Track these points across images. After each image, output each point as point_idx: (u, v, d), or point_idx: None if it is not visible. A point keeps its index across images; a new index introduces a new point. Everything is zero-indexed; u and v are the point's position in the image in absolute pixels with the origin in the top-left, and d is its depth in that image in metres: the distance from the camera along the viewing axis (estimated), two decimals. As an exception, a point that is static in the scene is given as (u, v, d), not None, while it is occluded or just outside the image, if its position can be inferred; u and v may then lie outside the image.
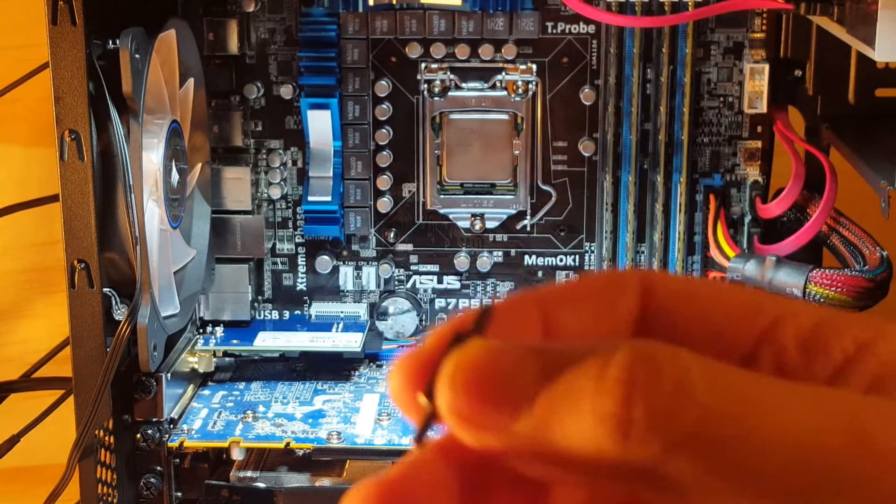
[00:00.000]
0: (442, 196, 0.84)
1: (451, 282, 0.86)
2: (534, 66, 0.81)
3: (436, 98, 0.82)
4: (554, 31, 0.81)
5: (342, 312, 0.86)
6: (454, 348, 0.22)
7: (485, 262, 0.85)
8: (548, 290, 0.25)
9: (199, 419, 0.76)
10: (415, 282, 0.86)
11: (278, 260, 0.86)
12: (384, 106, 0.82)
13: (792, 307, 0.25)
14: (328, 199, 0.82)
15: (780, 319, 0.25)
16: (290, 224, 0.85)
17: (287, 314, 0.87)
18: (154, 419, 0.73)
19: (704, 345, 0.25)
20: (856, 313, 0.25)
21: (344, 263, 0.86)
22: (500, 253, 0.85)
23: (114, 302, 0.69)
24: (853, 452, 0.20)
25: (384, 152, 0.83)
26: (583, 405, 0.21)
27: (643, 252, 0.83)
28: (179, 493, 0.75)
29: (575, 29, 0.81)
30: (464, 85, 0.82)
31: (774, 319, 0.25)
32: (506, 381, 0.21)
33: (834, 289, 0.70)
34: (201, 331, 0.84)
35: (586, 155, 0.83)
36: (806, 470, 0.20)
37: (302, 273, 0.86)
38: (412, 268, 0.86)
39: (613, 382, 0.21)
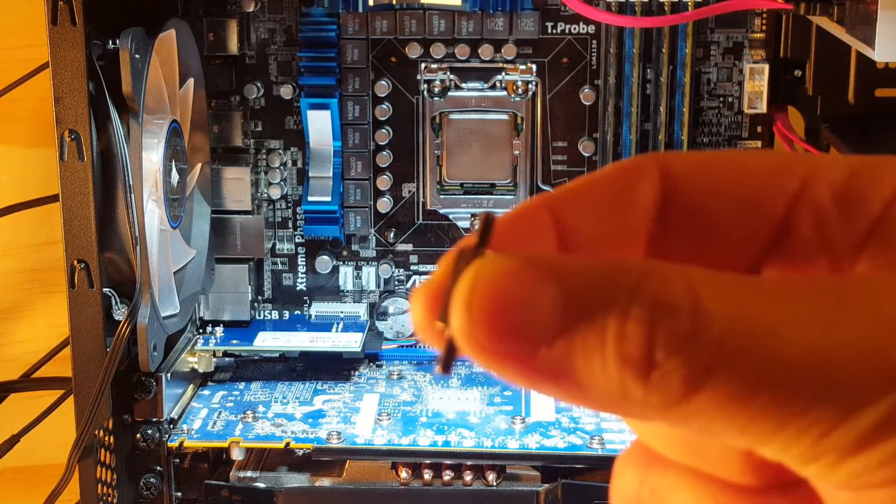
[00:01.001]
0: (442, 196, 0.84)
1: (450, 282, 0.86)
2: (534, 67, 0.81)
3: (436, 98, 0.82)
4: (554, 32, 0.81)
5: (342, 312, 0.86)
6: (462, 267, 0.21)
7: (485, 262, 0.85)
8: (558, 191, 0.24)
9: (199, 419, 0.76)
10: (415, 282, 0.86)
11: (278, 260, 0.86)
12: (384, 106, 0.82)
13: (821, 161, 0.24)
14: (328, 199, 0.82)
15: (810, 177, 0.23)
16: (290, 224, 0.85)
17: (287, 314, 0.87)
18: (154, 419, 0.73)
19: (733, 219, 0.24)
20: (891, 156, 0.24)
21: (344, 263, 0.86)
22: (500, 253, 0.85)
23: (114, 302, 0.69)
24: (873, 369, 0.19)
25: (384, 152, 0.83)
26: (607, 346, 0.20)
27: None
28: (179, 493, 0.75)
29: (575, 29, 0.81)
30: (464, 85, 0.82)
31: (804, 179, 0.23)
32: (524, 311, 0.20)
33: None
34: (201, 331, 0.84)
35: (586, 155, 0.83)
36: (828, 389, 0.20)
37: (302, 273, 0.86)
38: (412, 268, 0.86)
39: (636, 323, 0.20)
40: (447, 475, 0.73)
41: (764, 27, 0.80)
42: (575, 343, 0.20)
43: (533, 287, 0.20)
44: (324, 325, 0.85)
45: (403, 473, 0.73)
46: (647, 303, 0.20)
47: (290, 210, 0.85)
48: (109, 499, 0.71)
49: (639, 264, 0.21)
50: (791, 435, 0.20)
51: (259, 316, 0.87)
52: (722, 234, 0.24)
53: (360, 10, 0.80)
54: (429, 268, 0.86)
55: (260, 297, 0.86)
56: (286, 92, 0.83)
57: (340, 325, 0.85)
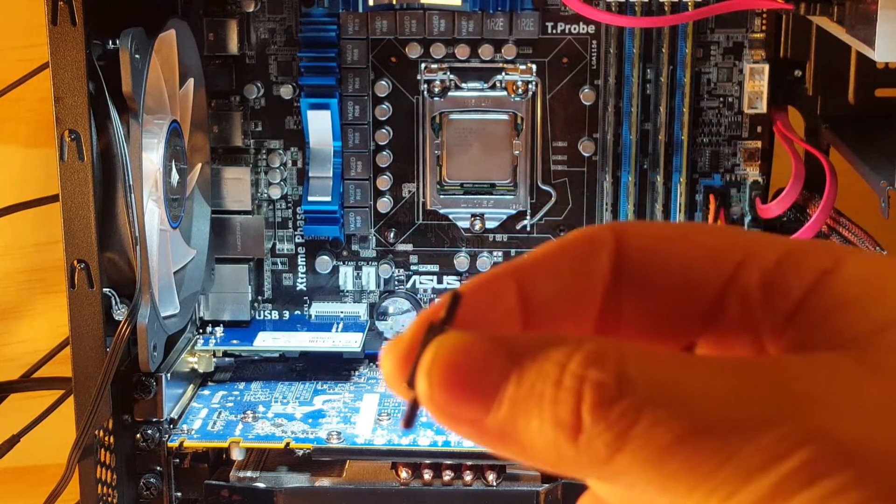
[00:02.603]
0: (442, 196, 0.84)
1: (451, 282, 0.86)
2: (534, 67, 0.81)
3: (436, 98, 0.82)
4: (554, 32, 0.81)
5: (342, 312, 0.86)
6: (429, 340, 0.24)
7: (485, 262, 0.85)
8: (521, 261, 0.26)
9: (199, 419, 0.76)
10: (415, 282, 0.86)
11: (278, 260, 0.86)
12: (384, 106, 0.82)
13: (757, 245, 0.26)
14: (328, 199, 0.82)
15: (744, 262, 0.25)
16: (290, 224, 0.85)
17: (287, 314, 0.87)
18: (154, 419, 0.73)
19: (673, 296, 0.26)
20: (821, 241, 0.26)
21: (344, 263, 0.86)
22: (500, 253, 0.85)
23: (113, 302, 0.69)
24: (770, 439, 0.21)
25: (384, 152, 0.83)
26: (543, 411, 0.23)
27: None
28: (179, 493, 0.75)
29: (575, 29, 0.81)
30: (464, 85, 0.82)
31: (738, 263, 0.25)
32: (476, 379, 0.23)
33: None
34: (201, 331, 0.84)
35: (586, 155, 0.83)
36: (732, 454, 0.21)
37: (302, 273, 0.86)
38: (412, 268, 0.86)
39: (567, 392, 0.22)
40: (447, 475, 0.73)
41: (764, 27, 0.80)
42: (517, 408, 0.23)
43: (483, 361, 0.23)
44: (324, 325, 0.85)
45: (403, 473, 0.73)
46: (577, 373, 0.22)
47: (290, 210, 0.85)
48: (109, 499, 0.72)
49: (575, 339, 0.23)
50: (703, 494, 0.22)
51: (259, 316, 0.87)
52: (663, 307, 0.26)
53: (360, 10, 0.80)
54: (429, 268, 0.86)
55: (260, 297, 0.86)
56: (286, 92, 0.83)
57: (340, 325, 0.85)
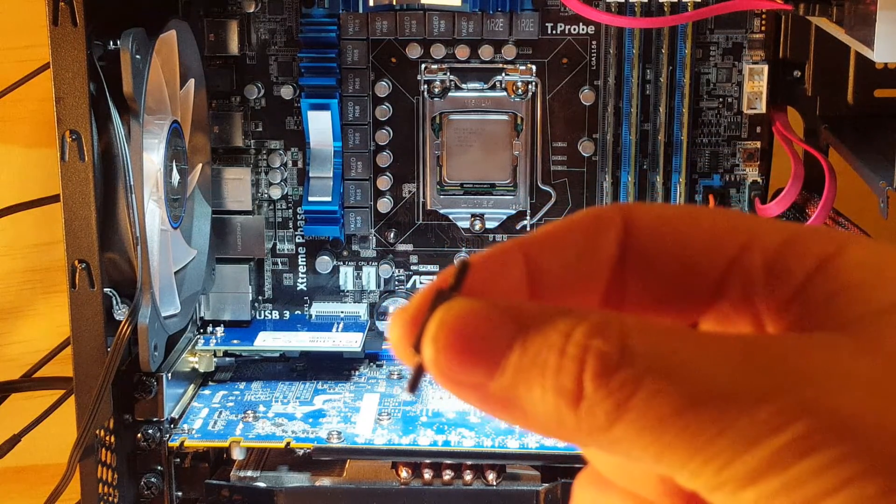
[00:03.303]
0: (442, 196, 0.84)
1: (451, 282, 0.86)
2: (533, 67, 0.81)
3: (436, 99, 0.82)
4: (553, 32, 0.81)
5: (342, 312, 0.86)
6: (437, 306, 0.24)
7: (485, 262, 0.85)
8: (530, 236, 0.26)
9: (200, 419, 0.76)
10: (415, 282, 0.86)
11: (279, 260, 0.86)
12: (384, 106, 0.82)
13: (761, 229, 0.26)
14: (328, 199, 0.82)
15: (747, 244, 0.26)
16: (291, 224, 0.86)
17: (287, 314, 0.87)
18: (155, 419, 0.73)
19: (676, 275, 0.26)
20: (823, 227, 0.26)
21: (344, 263, 0.86)
22: (500, 253, 0.85)
23: (114, 302, 0.69)
24: (766, 413, 0.22)
25: (384, 153, 0.83)
26: (546, 378, 0.23)
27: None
28: (180, 493, 0.75)
29: (574, 30, 0.81)
30: (464, 86, 0.82)
31: (742, 245, 0.26)
32: (481, 345, 0.24)
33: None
34: (202, 331, 0.84)
35: (586, 155, 0.83)
36: (728, 426, 0.22)
37: (302, 273, 0.86)
38: (412, 268, 0.86)
39: (571, 360, 0.23)
40: (447, 475, 0.73)
41: (763, 28, 0.80)
42: (521, 375, 0.23)
43: (489, 328, 0.24)
44: (324, 325, 0.85)
45: (403, 473, 0.73)
46: (580, 343, 0.23)
47: (290, 210, 0.85)
48: (110, 498, 0.72)
49: (579, 310, 0.24)
50: (697, 464, 0.22)
51: (259, 316, 0.87)
52: (668, 286, 0.27)
53: (361, 10, 0.80)
54: (429, 268, 0.86)
55: (260, 297, 0.87)
56: (287, 92, 0.83)
57: (341, 325, 0.85)
